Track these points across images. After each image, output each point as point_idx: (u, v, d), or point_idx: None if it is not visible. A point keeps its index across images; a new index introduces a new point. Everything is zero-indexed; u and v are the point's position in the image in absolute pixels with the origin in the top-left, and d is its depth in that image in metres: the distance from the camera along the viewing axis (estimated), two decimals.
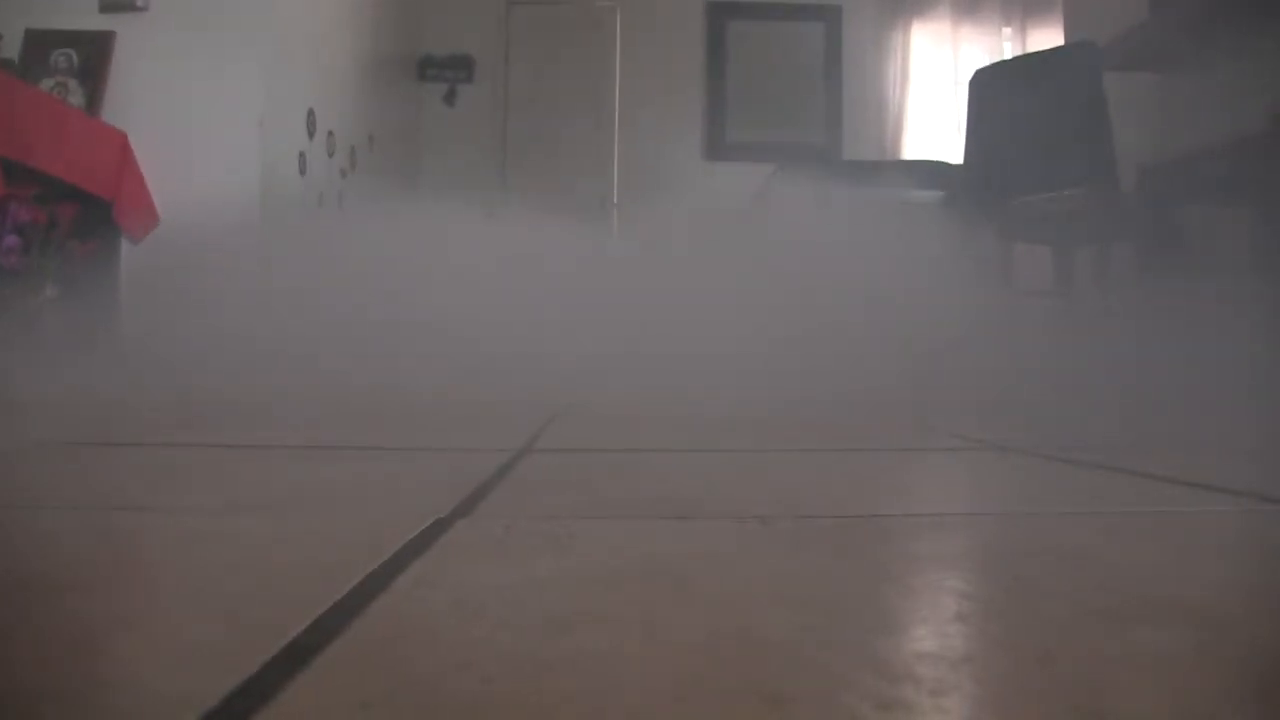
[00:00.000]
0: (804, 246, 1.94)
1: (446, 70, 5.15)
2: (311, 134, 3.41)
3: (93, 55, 2.85)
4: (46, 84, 2.77)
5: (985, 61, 4.16)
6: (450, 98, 5.15)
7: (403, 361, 1.50)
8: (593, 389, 1.39)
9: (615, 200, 5.06)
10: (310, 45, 3.42)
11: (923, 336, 1.75)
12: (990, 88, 2.64)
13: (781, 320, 1.74)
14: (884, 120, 5.22)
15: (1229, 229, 1.99)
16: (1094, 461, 0.96)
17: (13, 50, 2.79)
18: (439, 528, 0.59)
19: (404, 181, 4.74)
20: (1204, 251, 2.06)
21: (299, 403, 1.33)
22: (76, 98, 2.79)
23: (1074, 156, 2.31)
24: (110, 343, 2.29)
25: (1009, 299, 1.98)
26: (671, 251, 1.79)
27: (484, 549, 0.54)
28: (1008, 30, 5.23)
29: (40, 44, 2.83)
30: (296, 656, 0.35)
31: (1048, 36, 4.89)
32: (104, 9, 2.90)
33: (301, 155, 3.31)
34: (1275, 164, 1.83)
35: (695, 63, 5.29)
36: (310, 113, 3.41)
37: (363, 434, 1.15)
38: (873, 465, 0.98)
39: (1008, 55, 5.01)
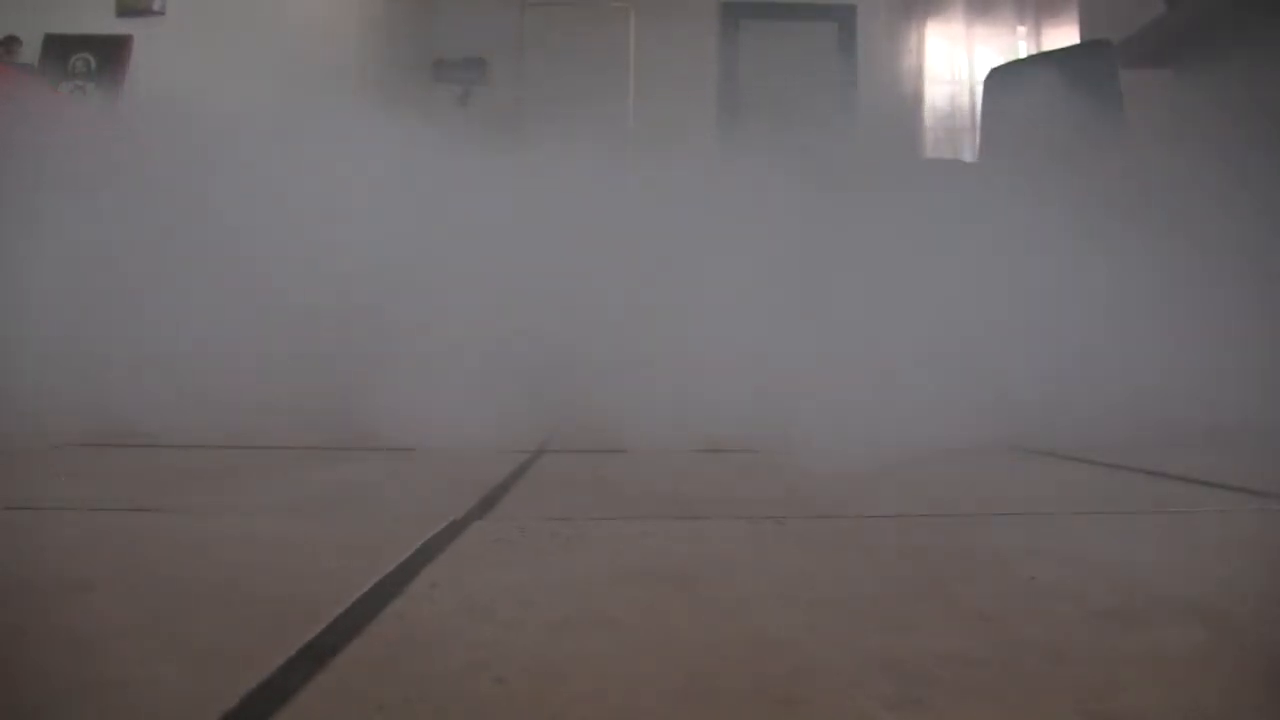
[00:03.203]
0: None
1: (459, 72, 5.17)
2: None
3: (110, 59, 2.87)
4: (65, 87, 2.79)
5: (1000, 60, 4.14)
6: (465, 100, 5.16)
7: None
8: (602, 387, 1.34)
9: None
10: (324, 48, 3.43)
11: None
12: (1005, 86, 2.63)
13: None
14: (898, 119, 5.20)
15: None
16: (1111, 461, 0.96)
17: (31, 54, 2.82)
18: (454, 529, 0.59)
19: None
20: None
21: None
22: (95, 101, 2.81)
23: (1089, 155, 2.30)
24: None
25: None
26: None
27: (498, 550, 0.54)
28: (1022, 29, 5.21)
29: (59, 48, 2.86)
30: (314, 658, 0.35)
31: (1063, 35, 4.86)
32: (121, 13, 2.92)
33: None
34: None
35: (709, 62, 5.28)
36: None
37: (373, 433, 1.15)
38: (884, 466, 0.98)
39: (1022, 54, 4.98)
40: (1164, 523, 0.67)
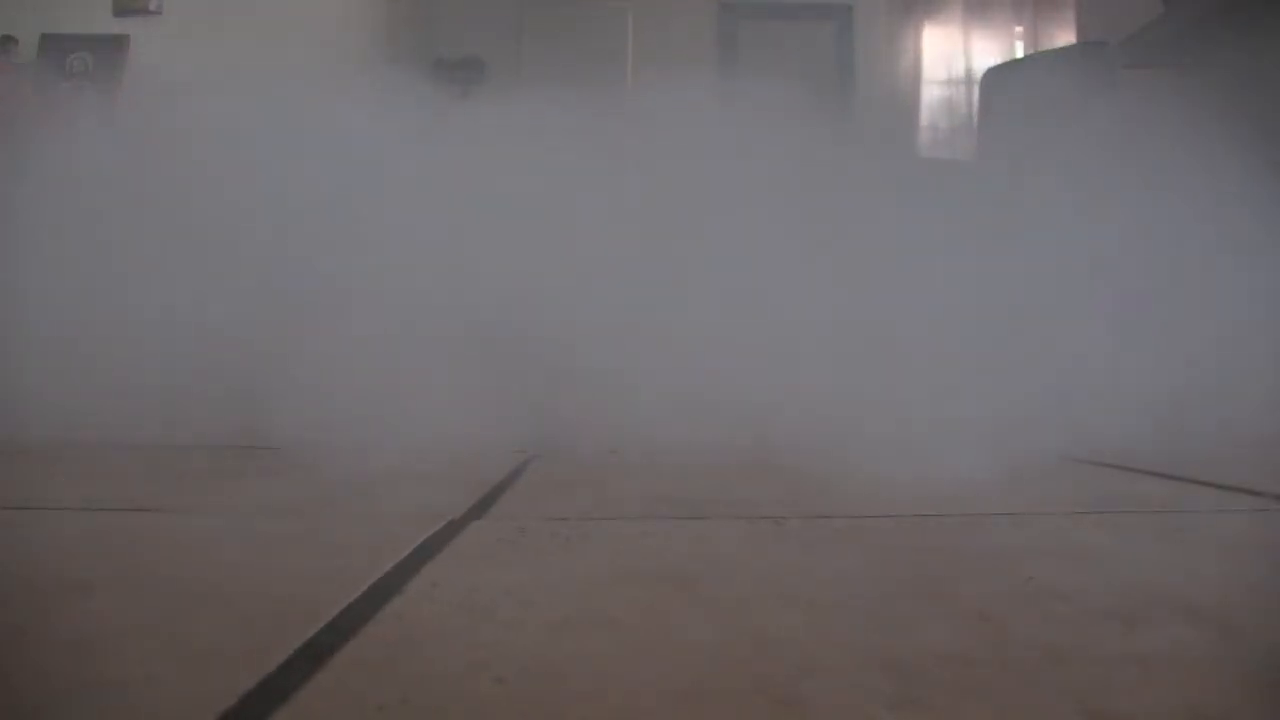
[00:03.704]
0: None
1: (458, 72, 5.16)
2: None
3: (108, 58, 2.87)
4: (63, 87, 2.79)
5: (997, 60, 4.15)
6: (465, 99, 5.15)
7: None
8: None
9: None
10: (322, 47, 3.43)
11: None
12: (1002, 86, 2.63)
13: None
14: (896, 120, 5.20)
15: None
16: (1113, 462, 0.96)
17: (29, 54, 2.82)
18: (453, 529, 0.59)
19: None
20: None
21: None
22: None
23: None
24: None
25: None
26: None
27: (498, 550, 0.54)
28: (1019, 29, 5.21)
29: (56, 48, 2.86)
30: (313, 657, 0.35)
31: (1060, 36, 4.87)
32: (118, 12, 2.92)
33: None
34: None
35: (708, 63, 5.28)
36: None
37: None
38: (888, 466, 0.98)
39: (1020, 55, 4.98)
40: (1168, 524, 0.67)
